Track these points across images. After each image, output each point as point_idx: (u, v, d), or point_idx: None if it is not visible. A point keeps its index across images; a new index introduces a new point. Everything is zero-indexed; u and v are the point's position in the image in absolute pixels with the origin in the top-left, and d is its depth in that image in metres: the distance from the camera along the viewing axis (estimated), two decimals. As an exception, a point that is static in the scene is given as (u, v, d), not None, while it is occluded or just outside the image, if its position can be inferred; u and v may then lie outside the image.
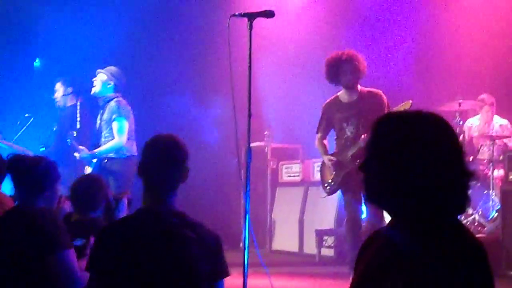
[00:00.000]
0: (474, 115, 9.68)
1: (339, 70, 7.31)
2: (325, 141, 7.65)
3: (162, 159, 3.27)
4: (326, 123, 7.55)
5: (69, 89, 9.17)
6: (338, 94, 7.51)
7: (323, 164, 7.64)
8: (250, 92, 5.31)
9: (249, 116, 5.28)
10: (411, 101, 6.89)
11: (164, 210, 3.21)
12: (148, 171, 3.28)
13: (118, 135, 8.07)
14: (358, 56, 7.35)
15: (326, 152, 7.55)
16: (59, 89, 9.25)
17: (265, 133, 10.92)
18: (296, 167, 10.67)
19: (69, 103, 9.16)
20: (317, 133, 7.63)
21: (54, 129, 9.27)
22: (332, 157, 7.43)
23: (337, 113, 7.43)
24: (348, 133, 7.33)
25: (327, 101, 7.59)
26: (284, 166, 10.89)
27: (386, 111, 7.00)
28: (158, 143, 3.33)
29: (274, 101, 11.29)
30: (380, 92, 7.42)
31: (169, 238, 3.12)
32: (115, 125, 8.10)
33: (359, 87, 7.39)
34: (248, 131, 5.27)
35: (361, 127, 7.22)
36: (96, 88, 8.29)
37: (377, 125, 2.26)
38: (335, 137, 7.54)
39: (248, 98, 5.28)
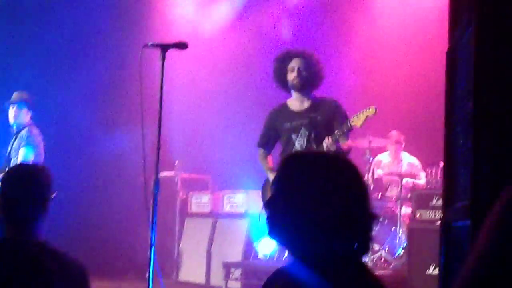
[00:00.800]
0: (384, 152, 9.88)
1: (286, 67, 6.53)
2: (270, 157, 6.80)
3: (16, 190, 3.22)
4: (272, 134, 6.74)
5: None
6: (287, 101, 6.69)
7: (266, 182, 6.78)
8: (160, 124, 5.26)
9: (158, 148, 5.23)
10: (375, 107, 6.18)
11: (23, 240, 3.13)
12: (4, 202, 3.22)
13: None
14: (311, 54, 6.57)
15: (272, 168, 6.62)
16: None
17: (176, 163, 10.86)
18: (205, 198, 10.62)
19: None
20: (259, 146, 6.82)
21: None
22: None
23: (285, 123, 6.57)
24: (297, 146, 6.46)
25: (273, 108, 6.79)
26: (194, 197, 10.83)
27: (343, 121, 6.34)
28: (14, 173, 3.32)
29: (186, 131, 11.27)
30: (335, 100, 6.63)
31: (28, 269, 3.02)
32: (21, 152, 8.10)
33: (312, 94, 6.63)
34: (157, 163, 5.22)
35: (313, 140, 6.43)
36: (13, 117, 8.31)
37: (284, 163, 2.28)
38: (280, 151, 6.69)
39: (158, 130, 5.23)
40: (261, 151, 6.81)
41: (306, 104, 6.54)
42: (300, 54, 6.51)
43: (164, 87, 5.38)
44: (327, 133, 6.34)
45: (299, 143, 6.47)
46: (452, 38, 3.01)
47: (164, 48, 5.36)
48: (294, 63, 6.47)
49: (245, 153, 10.85)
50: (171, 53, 5.43)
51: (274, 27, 11.26)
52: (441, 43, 3.33)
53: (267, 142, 6.78)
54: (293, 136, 6.50)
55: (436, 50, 3.78)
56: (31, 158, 8.05)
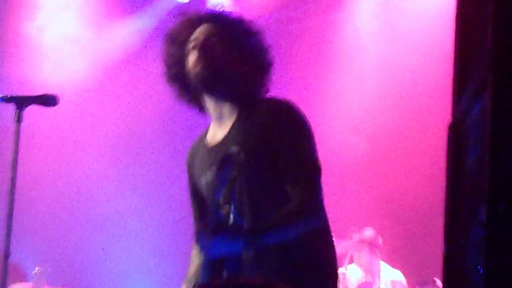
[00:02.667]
0: (351, 262, 9.84)
1: (186, 45, 4.81)
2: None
3: None
4: (197, 198, 4.97)
5: None
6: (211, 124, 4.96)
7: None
8: (9, 231, 5.20)
9: (6, 256, 5.16)
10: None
11: None
12: None
13: None
14: (241, 18, 4.93)
15: (188, 273, 4.90)
16: None
17: (35, 270, 10.76)
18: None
19: None
20: (195, 242, 4.52)
21: None
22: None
23: (201, 175, 4.84)
24: (231, 220, 4.47)
25: (192, 142, 5.10)
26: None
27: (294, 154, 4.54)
28: None
29: (50, 223, 11.23)
30: (282, 102, 4.71)
31: None
32: None
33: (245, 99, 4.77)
34: (4, 275, 5.17)
35: (245, 204, 4.49)
36: None
37: None
38: None
39: (7, 237, 5.17)
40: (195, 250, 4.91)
41: (228, 121, 4.78)
42: (215, 16, 4.90)
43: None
44: (271, 183, 4.59)
45: (225, 211, 4.52)
46: (457, 110, 3.07)
47: (21, 102, 5.27)
48: (199, 32, 4.79)
49: (123, 265, 10.96)
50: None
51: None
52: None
53: (198, 215, 5.01)
54: (210, 198, 4.72)
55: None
56: None
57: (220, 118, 4.78)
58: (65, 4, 11.34)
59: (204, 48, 4.67)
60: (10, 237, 5.18)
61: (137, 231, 11.19)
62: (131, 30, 11.65)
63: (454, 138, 3.10)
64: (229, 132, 4.68)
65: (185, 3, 11.59)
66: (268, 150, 4.52)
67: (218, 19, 4.83)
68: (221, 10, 4.93)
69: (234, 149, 4.52)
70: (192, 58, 4.71)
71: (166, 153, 11.27)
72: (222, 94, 4.74)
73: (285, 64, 11.32)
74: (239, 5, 11.52)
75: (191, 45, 4.75)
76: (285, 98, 4.74)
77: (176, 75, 4.88)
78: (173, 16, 4.99)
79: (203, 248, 4.33)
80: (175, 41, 4.88)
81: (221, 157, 4.46)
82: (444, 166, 3.21)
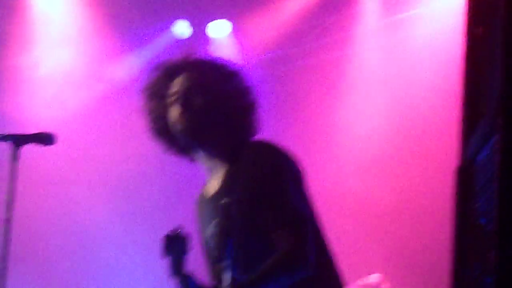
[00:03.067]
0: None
1: (165, 99, 4.87)
2: None
3: None
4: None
5: None
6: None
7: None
8: (5, 273, 5.18)
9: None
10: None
11: None
12: None
13: None
14: (214, 62, 4.90)
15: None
16: None
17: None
18: None
19: None
20: None
21: None
22: None
23: (204, 227, 4.82)
24: (226, 279, 4.41)
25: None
26: None
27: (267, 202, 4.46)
28: None
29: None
30: (267, 148, 4.63)
31: None
32: None
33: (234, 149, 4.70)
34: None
35: (239, 258, 4.42)
36: None
37: None
38: None
39: (2, 279, 5.16)
40: None
41: (220, 171, 4.81)
42: (191, 64, 4.93)
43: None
44: (265, 234, 4.52)
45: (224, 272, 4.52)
46: (465, 153, 3.09)
47: (19, 141, 5.27)
48: (177, 84, 4.86)
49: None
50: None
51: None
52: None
53: None
54: (210, 246, 4.81)
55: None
56: None
57: (213, 169, 4.79)
58: (61, 39, 11.29)
59: (185, 101, 4.70)
60: (6, 279, 5.19)
61: (138, 269, 11.15)
62: (129, 66, 11.59)
63: (461, 182, 3.12)
64: (221, 184, 4.68)
65: (186, 39, 11.55)
66: (255, 199, 4.48)
67: (195, 67, 4.83)
68: (197, 56, 4.89)
69: (225, 201, 4.55)
70: (174, 113, 4.75)
71: (166, 190, 11.27)
72: (211, 147, 4.75)
73: (288, 102, 11.38)
74: (243, 44, 11.52)
75: (171, 98, 4.78)
76: (267, 142, 4.65)
77: (161, 129, 4.90)
78: (149, 69, 4.94)
79: None
80: (155, 96, 4.91)
81: (217, 210, 4.53)
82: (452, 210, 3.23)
